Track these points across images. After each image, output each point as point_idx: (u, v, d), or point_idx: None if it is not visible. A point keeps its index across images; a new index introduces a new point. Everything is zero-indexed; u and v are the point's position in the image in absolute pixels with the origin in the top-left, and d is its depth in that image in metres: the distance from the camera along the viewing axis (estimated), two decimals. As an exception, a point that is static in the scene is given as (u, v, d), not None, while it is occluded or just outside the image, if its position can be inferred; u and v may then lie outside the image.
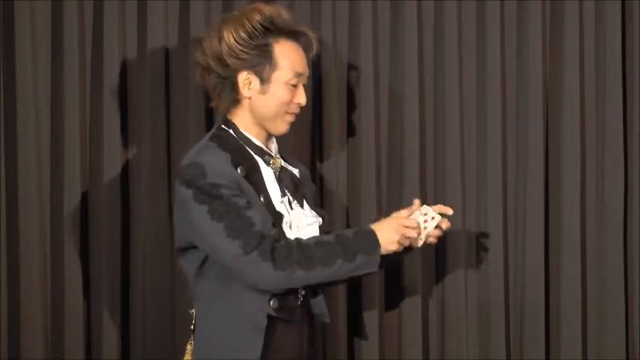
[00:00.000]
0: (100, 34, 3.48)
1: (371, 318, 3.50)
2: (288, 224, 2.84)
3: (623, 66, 3.52)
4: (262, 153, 2.88)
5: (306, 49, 2.90)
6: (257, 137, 2.89)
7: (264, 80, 2.84)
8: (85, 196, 3.50)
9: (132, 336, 3.51)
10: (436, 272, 3.53)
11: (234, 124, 2.88)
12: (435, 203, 3.47)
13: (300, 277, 2.72)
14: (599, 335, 3.53)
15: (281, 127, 2.88)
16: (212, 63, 2.84)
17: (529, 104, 3.51)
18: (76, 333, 3.50)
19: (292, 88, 2.85)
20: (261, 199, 2.80)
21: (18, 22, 3.45)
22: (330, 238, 2.76)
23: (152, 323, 3.50)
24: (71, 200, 3.48)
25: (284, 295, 2.80)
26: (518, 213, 3.53)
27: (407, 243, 2.81)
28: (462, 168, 3.51)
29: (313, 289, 2.93)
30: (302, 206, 2.91)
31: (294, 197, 2.90)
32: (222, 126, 2.89)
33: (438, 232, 2.90)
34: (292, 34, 2.86)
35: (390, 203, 3.49)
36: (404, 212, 2.85)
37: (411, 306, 3.51)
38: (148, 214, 3.50)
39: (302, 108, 2.90)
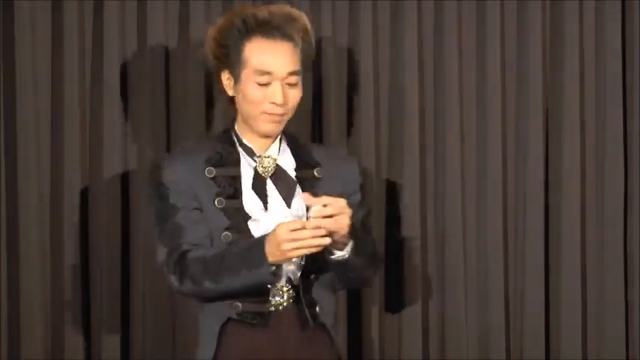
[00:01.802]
0: (100, 34, 3.48)
1: (371, 318, 3.50)
2: (258, 224, 2.82)
3: (623, 66, 3.52)
4: (251, 153, 2.87)
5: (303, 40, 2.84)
6: (251, 136, 2.88)
7: (237, 80, 2.83)
8: (85, 196, 3.50)
9: (132, 336, 3.51)
10: (436, 272, 3.52)
11: (233, 122, 2.90)
12: (436, 204, 3.49)
13: (200, 290, 2.79)
14: (599, 335, 3.53)
15: (263, 127, 2.84)
16: (207, 62, 2.90)
17: (529, 104, 3.51)
18: (76, 333, 3.50)
19: (263, 87, 2.81)
20: (216, 203, 2.81)
21: (18, 22, 3.45)
22: (223, 251, 2.76)
23: (152, 323, 3.50)
24: (71, 200, 3.48)
25: (251, 300, 2.80)
26: (518, 213, 3.53)
27: (295, 246, 2.66)
28: (462, 168, 3.51)
29: (308, 295, 2.88)
30: (289, 206, 2.88)
31: (285, 199, 2.87)
32: (232, 124, 2.92)
33: (335, 225, 2.67)
34: (267, 32, 2.82)
35: (390, 203, 3.49)
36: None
37: (411, 306, 3.51)
38: (148, 214, 3.49)
39: (300, 108, 2.87)
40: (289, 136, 2.94)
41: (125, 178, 3.50)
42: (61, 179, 3.49)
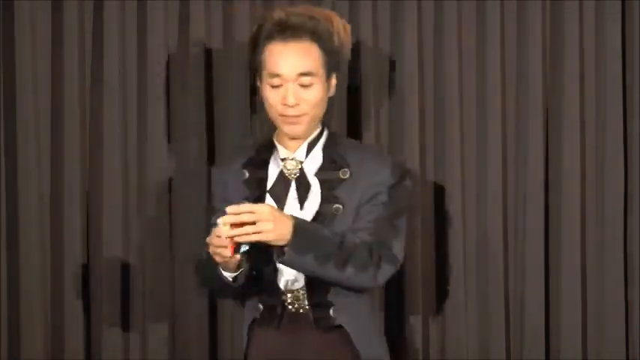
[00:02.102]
0: (100, 34, 3.48)
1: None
2: None
3: (623, 66, 3.52)
4: (279, 155, 2.92)
5: (323, 37, 2.83)
6: (283, 138, 2.92)
7: (261, 83, 2.87)
8: (84, 196, 3.50)
9: (132, 336, 3.51)
10: (436, 272, 3.53)
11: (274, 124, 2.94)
12: (436, 204, 3.49)
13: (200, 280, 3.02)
14: (599, 335, 3.53)
15: (284, 129, 2.88)
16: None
17: (529, 104, 3.51)
18: (76, 333, 3.50)
19: (276, 89, 2.83)
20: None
21: (18, 22, 3.45)
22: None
23: (152, 323, 3.50)
24: (71, 200, 3.48)
25: (270, 303, 2.87)
26: (518, 213, 3.53)
27: (219, 251, 2.69)
28: (462, 168, 3.51)
29: (321, 299, 2.89)
30: (301, 209, 2.88)
31: (299, 201, 2.88)
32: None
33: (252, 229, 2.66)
34: (281, 34, 2.82)
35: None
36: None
37: (411, 306, 3.51)
38: (148, 214, 3.50)
39: (308, 109, 2.86)
40: (332, 137, 2.94)
41: (125, 178, 3.50)
42: (61, 179, 3.49)
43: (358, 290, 2.85)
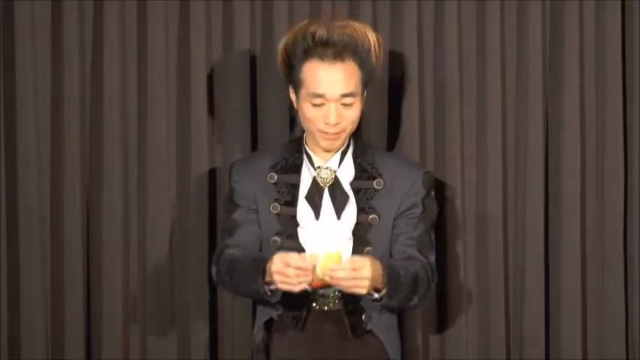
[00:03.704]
0: (100, 34, 3.48)
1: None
2: (308, 232, 2.93)
3: (623, 66, 3.52)
4: (312, 163, 2.97)
5: (362, 57, 2.90)
6: (314, 145, 2.98)
7: (297, 97, 2.93)
8: (84, 197, 3.50)
9: (132, 336, 3.51)
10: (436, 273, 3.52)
11: (303, 131, 3.01)
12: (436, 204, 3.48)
13: (222, 285, 3.04)
14: (599, 335, 3.53)
15: (321, 143, 2.95)
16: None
17: (529, 104, 3.51)
18: (76, 333, 3.50)
19: (317, 107, 2.89)
20: (271, 208, 2.95)
21: (18, 22, 3.45)
22: (242, 257, 2.91)
23: (152, 323, 3.50)
24: (71, 200, 3.48)
25: (291, 303, 2.90)
26: (518, 213, 3.53)
27: (281, 280, 2.73)
28: (462, 168, 3.51)
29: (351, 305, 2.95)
30: (339, 218, 2.95)
31: (336, 210, 2.94)
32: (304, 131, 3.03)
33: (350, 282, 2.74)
34: (323, 54, 2.87)
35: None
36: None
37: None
38: (148, 214, 3.50)
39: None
40: (359, 145, 3.02)
41: (125, 177, 3.50)
42: (61, 179, 3.49)
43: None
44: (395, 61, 3.51)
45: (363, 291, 2.72)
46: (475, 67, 3.52)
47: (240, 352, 3.45)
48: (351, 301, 2.93)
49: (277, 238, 2.94)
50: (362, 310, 2.94)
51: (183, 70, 3.49)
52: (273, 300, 2.84)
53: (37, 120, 3.47)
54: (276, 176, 2.98)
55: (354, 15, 3.48)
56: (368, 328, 2.94)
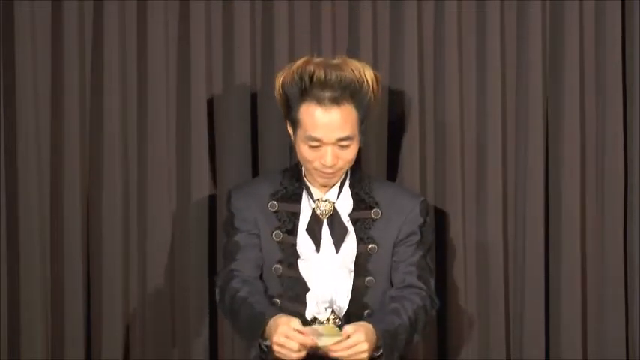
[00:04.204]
0: (100, 34, 3.48)
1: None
2: (308, 264, 2.96)
3: (623, 66, 3.52)
4: (311, 195, 2.99)
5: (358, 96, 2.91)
6: (312, 178, 2.99)
7: (294, 134, 2.95)
8: (84, 197, 3.50)
9: (132, 336, 3.51)
10: (436, 274, 3.52)
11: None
12: (436, 204, 3.48)
13: (224, 316, 3.11)
14: (599, 335, 3.53)
15: (318, 180, 2.98)
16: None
17: (529, 104, 3.51)
18: (76, 333, 3.50)
19: (314, 148, 2.90)
20: (274, 236, 2.99)
21: (18, 22, 3.45)
22: (243, 302, 2.92)
23: (152, 323, 3.50)
24: (71, 200, 3.48)
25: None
26: (518, 213, 3.53)
27: (279, 350, 2.75)
28: (462, 168, 3.51)
29: None
30: (337, 251, 2.97)
31: (335, 243, 2.97)
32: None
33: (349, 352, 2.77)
34: (320, 97, 2.87)
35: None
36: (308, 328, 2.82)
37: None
38: (148, 214, 3.50)
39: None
40: (355, 174, 3.04)
41: (125, 177, 3.50)
42: (61, 179, 3.49)
43: None
44: (395, 61, 3.50)
45: (364, 355, 2.75)
46: (475, 67, 3.52)
47: (240, 353, 3.45)
48: (354, 320, 2.92)
49: (279, 266, 2.98)
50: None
51: (184, 70, 3.49)
52: (269, 358, 2.84)
53: (37, 120, 3.47)
54: (277, 205, 3.00)
55: (354, 15, 3.48)
56: (379, 351, 2.90)
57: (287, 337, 2.72)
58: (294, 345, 2.71)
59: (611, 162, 3.51)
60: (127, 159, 3.50)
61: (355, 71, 2.90)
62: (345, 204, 3.00)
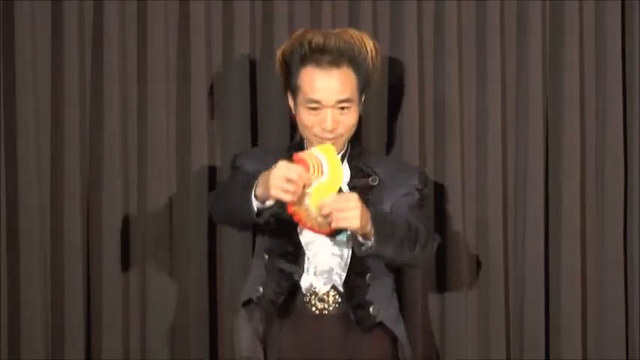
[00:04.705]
0: (100, 34, 3.48)
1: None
2: (306, 232, 2.91)
3: (623, 66, 3.52)
4: None
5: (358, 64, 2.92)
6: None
7: (295, 103, 2.96)
8: (84, 196, 3.50)
9: (132, 336, 3.51)
10: (436, 273, 3.52)
11: (302, 137, 3.02)
12: (436, 204, 3.49)
13: (210, 204, 3.03)
14: (599, 335, 3.53)
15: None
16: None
17: (529, 104, 3.51)
18: (76, 333, 3.50)
19: (314, 112, 2.90)
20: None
21: (18, 22, 3.45)
22: (236, 179, 2.95)
23: (152, 323, 3.50)
24: (71, 200, 3.48)
25: (267, 284, 2.92)
26: (518, 213, 3.53)
27: (277, 185, 2.70)
28: (462, 168, 3.51)
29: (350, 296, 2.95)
30: None
31: None
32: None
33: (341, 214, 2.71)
34: (319, 60, 2.89)
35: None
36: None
37: (411, 307, 3.51)
38: (148, 214, 3.50)
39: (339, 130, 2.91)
40: (355, 149, 3.03)
41: (125, 177, 3.50)
42: (61, 179, 3.49)
43: (411, 265, 3.05)
44: (395, 61, 3.51)
45: (356, 222, 2.68)
46: (475, 68, 3.52)
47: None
48: (355, 296, 2.92)
49: (271, 220, 2.91)
50: (369, 303, 2.94)
51: (184, 69, 3.49)
52: (259, 220, 2.80)
53: (37, 120, 3.47)
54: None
55: (354, 15, 3.49)
56: (378, 320, 2.93)
57: (288, 168, 2.70)
58: (295, 173, 2.68)
59: (611, 162, 3.51)
60: (126, 159, 3.50)
61: (354, 38, 2.93)
62: (344, 175, 3.00)
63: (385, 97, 3.51)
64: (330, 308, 2.94)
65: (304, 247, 2.94)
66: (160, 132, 3.50)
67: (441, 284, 3.52)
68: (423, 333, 3.50)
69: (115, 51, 3.47)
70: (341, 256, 2.93)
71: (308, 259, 2.94)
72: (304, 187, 2.71)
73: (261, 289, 2.94)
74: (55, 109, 3.49)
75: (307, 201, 2.73)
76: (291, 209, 2.73)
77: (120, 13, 3.47)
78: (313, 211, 2.73)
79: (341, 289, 2.93)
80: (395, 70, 3.51)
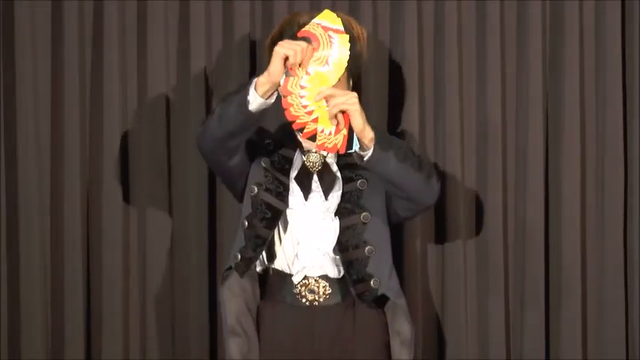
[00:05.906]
0: (100, 34, 3.48)
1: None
2: (295, 213, 2.93)
3: (623, 66, 3.52)
4: (302, 148, 2.98)
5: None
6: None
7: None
8: (84, 196, 3.50)
9: (132, 336, 3.51)
10: (436, 271, 3.52)
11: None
12: (435, 206, 3.48)
13: (203, 128, 2.91)
14: (599, 335, 3.53)
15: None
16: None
17: (529, 104, 3.51)
18: (76, 333, 3.50)
19: None
20: (262, 162, 2.96)
21: (18, 22, 3.45)
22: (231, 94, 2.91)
23: (152, 323, 3.50)
24: (71, 200, 3.48)
25: (245, 246, 2.93)
26: (518, 213, 3.53)
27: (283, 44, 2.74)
28: (462, 169, 3.51)
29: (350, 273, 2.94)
30: (326, 199, 2.95)
31: (324, 191, 2.95)
32: None
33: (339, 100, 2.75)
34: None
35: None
36: None
37: (411, 306, 3.50)
38: (148, 214, 3.50)
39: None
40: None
41: (125, 177, 3.50)
42: (61, 179, 3.49)
43: (420, 202, 2.92)
44: (395, 61, 3.51)
45: (355, 106, 2.73)
46: (475, 68, 3.52)
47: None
48: (354, 270, 2.91)
49: (255, 187, 2.95)
50: (369, 276, 2.92)
51: (184, 69, 3.49)
52: (251, 117, 2.78)
53: (37, 119, 3.47)
54: (273, 144, 3.01)
55: (354, 15, 3.47)
56: (380, 292, 2.92)
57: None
58: (303, 43, 2.72)
59: (611, 162, 3.51)
60: (127, 159, 3.50)
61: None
62: (333, 158, 3.00)
63: (385, 97, 3.51)
64: (321, 299, 2.93)
65: (286, 216, 2.95)
66: (159, 132, 3.50)
67: (441, 284, 3.52)
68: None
69: (115, 51, 3.47)
70: (328, 231, 2.94)
71: (298, 243, 2.94)
72: (301, 64, 2.74)
73: (239, 256, 2.95)
74: (55, 109, 3.49)
75: (304, 92, 2.75)
76: (285, 103, 2.76)
77: (120, 13, 3.48)
78: (308, 101, 2.75)
79: (330, 274, 2.92)
80: (395, 69, 3.51)
